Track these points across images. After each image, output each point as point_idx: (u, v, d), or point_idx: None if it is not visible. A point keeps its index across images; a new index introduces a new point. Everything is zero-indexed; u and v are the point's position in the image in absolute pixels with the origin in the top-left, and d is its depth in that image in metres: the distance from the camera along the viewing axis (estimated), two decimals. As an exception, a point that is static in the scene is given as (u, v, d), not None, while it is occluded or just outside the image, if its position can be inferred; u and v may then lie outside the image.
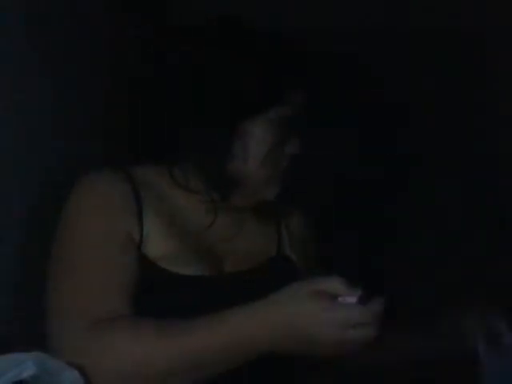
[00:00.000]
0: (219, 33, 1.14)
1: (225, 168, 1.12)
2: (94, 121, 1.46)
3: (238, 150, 1.11)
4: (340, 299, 0.95)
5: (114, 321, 0.99)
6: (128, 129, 1.20)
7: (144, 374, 0.97)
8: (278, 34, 1.16)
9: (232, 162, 1.12)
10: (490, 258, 1.88)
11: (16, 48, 1.22)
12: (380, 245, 1.90)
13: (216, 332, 0.98)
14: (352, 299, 0.95)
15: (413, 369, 1.24)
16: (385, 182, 1.95)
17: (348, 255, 1.66)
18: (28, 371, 0.83)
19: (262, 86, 1.11)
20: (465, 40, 1.78)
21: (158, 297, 1.06)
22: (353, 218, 1.94)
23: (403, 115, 1.92)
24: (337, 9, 1.77)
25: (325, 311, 0.95)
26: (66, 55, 1.37)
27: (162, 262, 1.07)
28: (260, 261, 1.18)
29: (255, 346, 0.98)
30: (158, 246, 1.09)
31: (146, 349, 0.97)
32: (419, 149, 1.91)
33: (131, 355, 0.96)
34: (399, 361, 1.24)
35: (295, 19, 1.79)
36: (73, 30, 1.40)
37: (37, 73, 1.29)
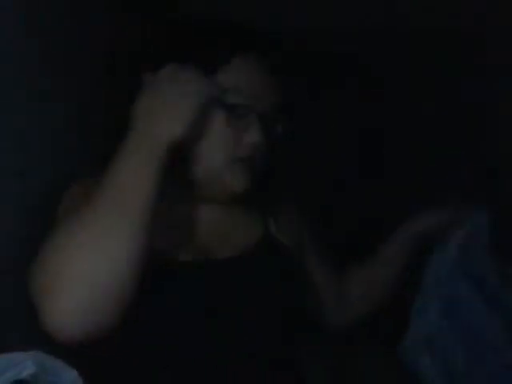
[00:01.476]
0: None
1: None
2: (94, 121, 1.47)
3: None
4: None
5: None
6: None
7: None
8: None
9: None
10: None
11: (16, 48, 1.22)
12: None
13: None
14: None
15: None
16: (383, 181, 1.95)
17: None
18: (28, 370, 0.83)
19: None
20: (465, 40, 1.78)
21: (159, 281, 1.07)
22: (351, 221, 1.95)
23: (402, 115, 1.92)
24: (337, 9, 1.77)
25: None
26: (66, 55, 1.37)
27: (161, 249, 1.11)
28: (247, 248, 1.20)
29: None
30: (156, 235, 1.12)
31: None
32: (418, 149, 1.91)
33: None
34: None
35: (295, 19, 1.79)
36: (73, 30, 1.40)
37: (37, 73, 1.29)
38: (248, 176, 1.18)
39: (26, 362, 0.83)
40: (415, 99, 1.88)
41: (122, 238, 0.97)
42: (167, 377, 1.08)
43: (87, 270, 0.94)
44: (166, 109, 1.04)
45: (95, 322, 0.96)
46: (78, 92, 1.41)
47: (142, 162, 1.01)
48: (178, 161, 1.11)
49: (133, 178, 1.01)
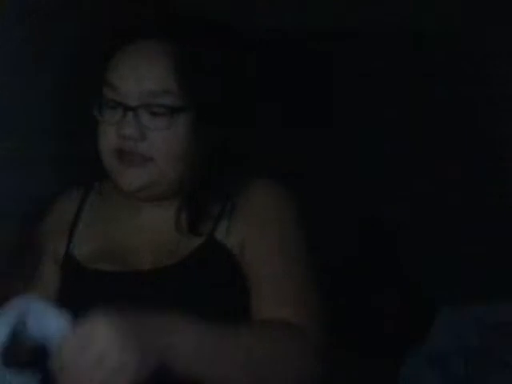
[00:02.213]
0: None
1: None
2: (94, 121, 1.46)
3: None
4: None
5: None
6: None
7: None
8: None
9: None
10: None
11: (16, 48, 1.23)
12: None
13: None
14: None
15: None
16: (383, 181, 1.95)
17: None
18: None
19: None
20: (465, 40, 1.79)
21: (76, 290, 1.09)
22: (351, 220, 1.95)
23: (402, 115, 1.92)
24: (337, 9, 1.78)
25: None
26: (66, 55, 1.37)
27: (85, 261, 1.11)
28: (184, 254, 1.15)
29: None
30: (84, 249, 1.13)
31: None
32: (419, 149, 1.92)
33: None
34: None
35: (295, 19, 1.79)
36: (72, 29, 1.40)
37: (37, 73, 1.29)
38: (138, 172, 1.10)
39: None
40: (415, 99, 1.89)
41: None
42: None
43: None
44: None
45: None
46: (78, 92, 1.41)
47: None
48: None
49: None
